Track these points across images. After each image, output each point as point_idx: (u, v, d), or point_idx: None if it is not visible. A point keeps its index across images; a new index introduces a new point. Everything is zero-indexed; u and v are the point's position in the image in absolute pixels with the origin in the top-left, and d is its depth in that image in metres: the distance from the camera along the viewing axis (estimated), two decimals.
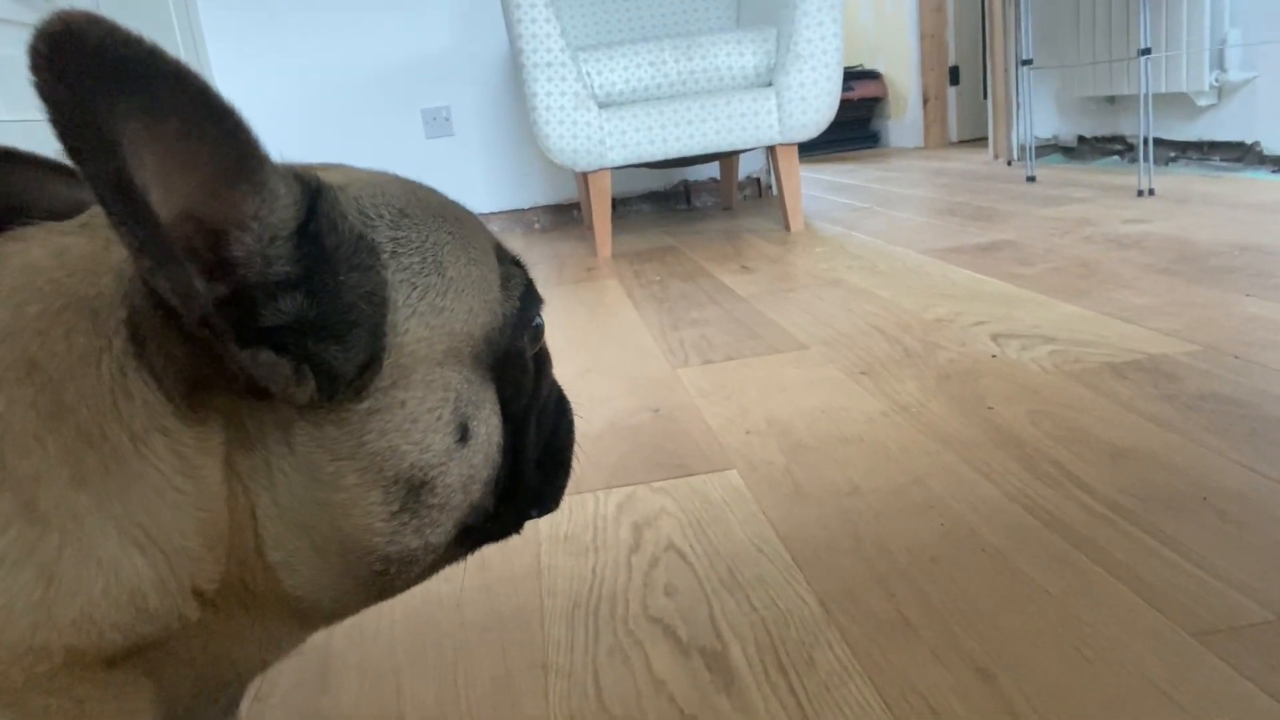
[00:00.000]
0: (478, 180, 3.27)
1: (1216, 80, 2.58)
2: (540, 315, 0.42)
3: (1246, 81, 2.53)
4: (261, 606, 0.34)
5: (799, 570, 0.72)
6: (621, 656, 0.64)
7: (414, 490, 0.34)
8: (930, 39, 4.73)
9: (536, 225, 3.34)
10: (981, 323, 1.36)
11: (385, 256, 0.33)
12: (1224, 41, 2.54)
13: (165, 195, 0.26)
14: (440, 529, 0.36)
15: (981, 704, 0.54)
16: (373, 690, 0.63)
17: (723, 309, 1.67)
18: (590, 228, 2.66)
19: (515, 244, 2.99)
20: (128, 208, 0.25)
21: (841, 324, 1.45)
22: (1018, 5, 3.16)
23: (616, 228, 2.90)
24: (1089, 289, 1.48)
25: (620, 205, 3.31)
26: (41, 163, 0.39)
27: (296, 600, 0.34)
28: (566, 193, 3.32)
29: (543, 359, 0.44)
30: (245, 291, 0.29)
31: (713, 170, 3.35)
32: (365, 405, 0.32)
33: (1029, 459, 0.87)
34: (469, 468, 0.36)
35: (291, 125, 3.11)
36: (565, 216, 3.35)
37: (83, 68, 0.23)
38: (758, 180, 3.43)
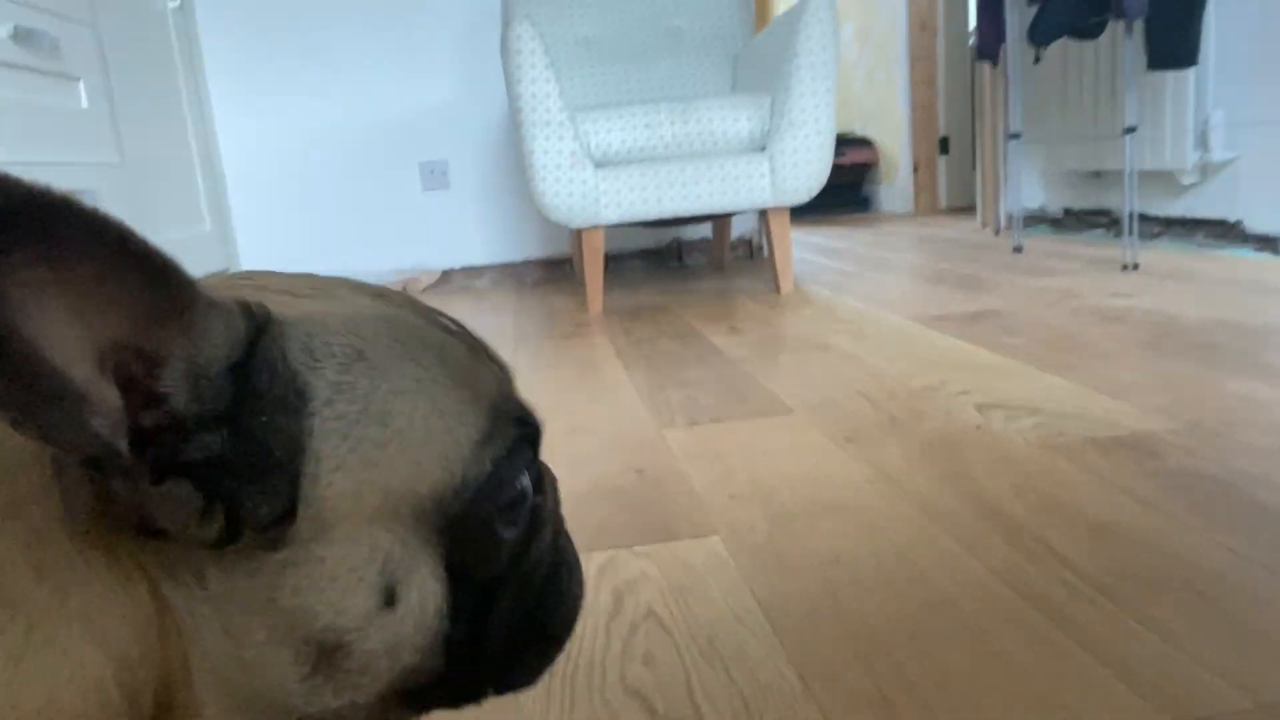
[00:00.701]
0: (472, 233, 3.30)
1: (1200, 159, 2.64)
2: (525, 480, 0.37)
3: (1229, 161, 2.59)
4: None
5: (779, 642, 0.72)
6: None
7: (328, 653, 0.32)
8: (921, 109, 4.84)
9: (529, 279, 3.36)
10: (966, 392, 1.37)
11: (317, 403, 0.31)
12: (1207, 122, 2.61)
13: (83, 336, 0.26)
14: (364, 691, 0.33)
15: None
16: None
17: (711, 370, 1.68)
18: (583, 283, 2.68)
19: (507, 298, 3.02)
20: None
21: (828, 389, 1.46)
22: (1006, 80, 3.25)
23: (609, 284, 2.93)
24: (1074, 362, 1.49)
25: (613, 262, 3.34)
26: None
27: None
28: (560, 248, 3.35)
29: (536, 523, 0.39)
30: (171, 424, 0.28)
31: (705, 230, 3.39)
32: (280, 556, 0.31)
33: (1012, 533, 0.87)
34: (394, 635, 0.33)
35: (293, 174, 3.14)
36: (558, 271, 3.37)
37: None
38: (749, 241, 3.47)
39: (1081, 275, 2.39)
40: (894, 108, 5.06)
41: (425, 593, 0.34)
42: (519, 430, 0.37)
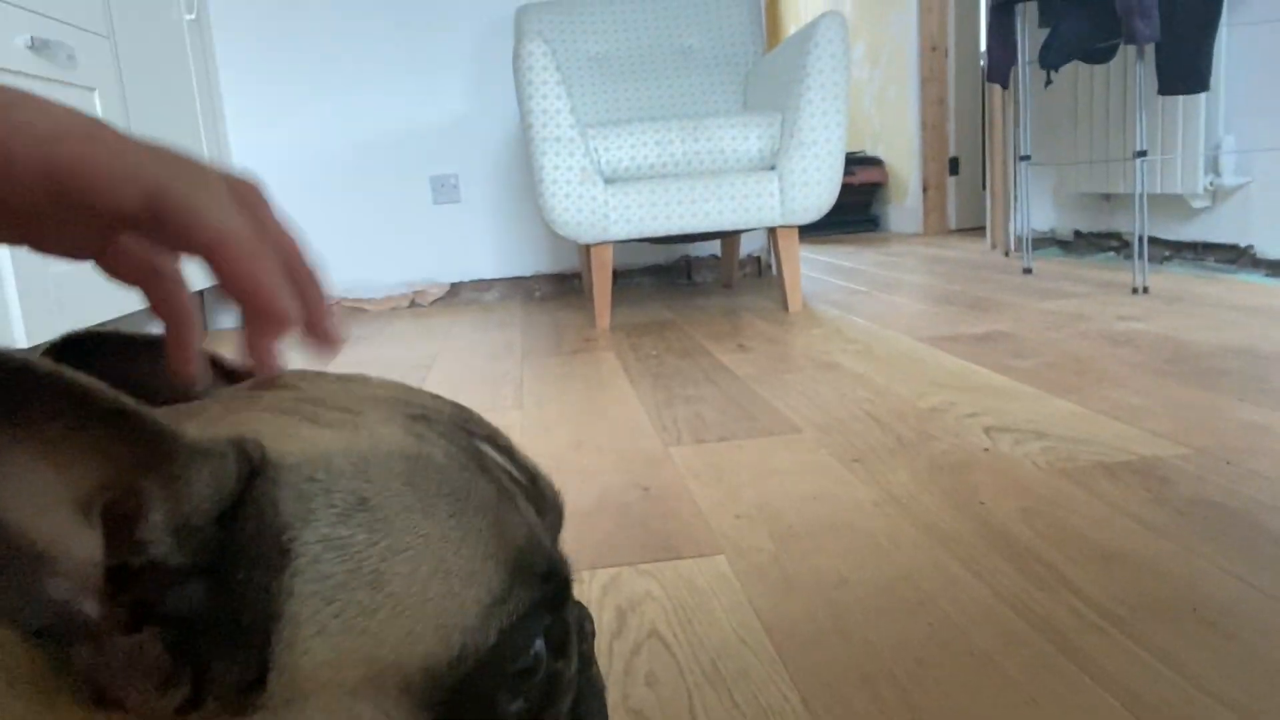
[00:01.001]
0: (482, 247, 3.31)
1: (1211, 184, 2.63)
2: (539, 646, 0.32)
3: (1240, 186, 2.59)
4: None
5: (783, 665, 0.71)
6: None
7: None
8: (931, 129, 4.85)
9: (537, 293, 3.37)
10: (975, 414, 1.36)
11: (303, 561, 0.27)
12: (1218, 147, 2.60)
13: (53, 482, 0.24)
14: None
15: None
16: None
17: (718, 388, 1.68)
18: (590, 298, 2.68)
19: (515, 312, 3.03)
20: None
21: (836, 409, 1.46)
22: (1017, 102, 3.25)
23: (616, 299, 2.93)
24: (1082, 385, 1.48)
25: (621, 277, 3.34)
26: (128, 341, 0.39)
27: None
28: (568, 262, 3.36)
29: (553, 690, 0.33)
30: (153, 571, 0.26)
31: (714, 248, 3.40)
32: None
33: (1020, 559, 0.86)
34: None
35: (305, 185, 3.16)
36: (566, 286, 3.38)
37: None
38: (758, 259, 3.47)
39: (1091, 298, 2.39)
40: (904, 128, 5.07)
41: None
42: (539, 591, 0.32)
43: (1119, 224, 3.21)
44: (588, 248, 2.52)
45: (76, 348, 0.37)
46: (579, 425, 1.48)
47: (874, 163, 5.41)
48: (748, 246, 3.43)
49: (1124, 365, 1.61)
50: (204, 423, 0.31)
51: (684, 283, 3.42)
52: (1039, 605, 0.77)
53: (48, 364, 0.23)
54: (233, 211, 0.34)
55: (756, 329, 2.29)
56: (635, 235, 2.43)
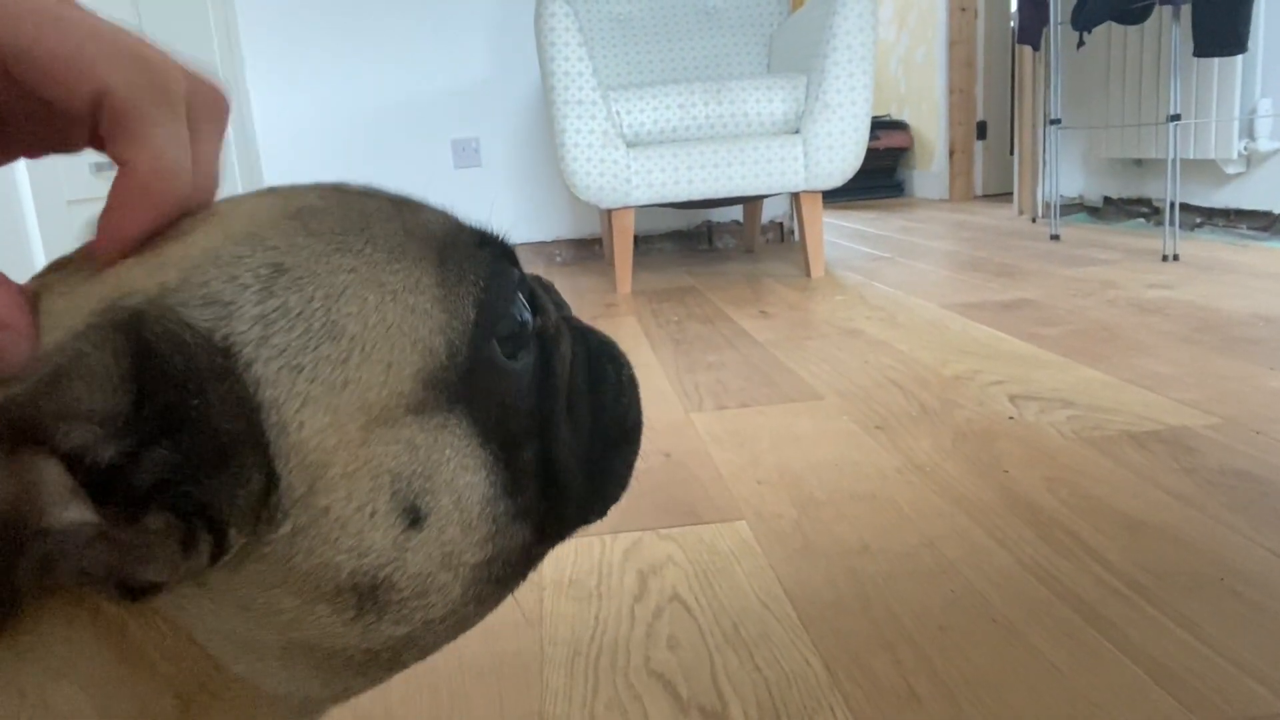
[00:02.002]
0: (502, 211, 3.30)
1: (1245, 149, 2.57)
2: (519, 305, 0.33)
3: (1275, 151, 2.52)
4: (250, 706, 0.29)
5: (805, 630, 0.71)
6: (620, 710, 0.63)
7: (368, 594, 0.28)
8: (959, 93, 4.76)
9: (558, 258, 3.36)
10: (1000, 382, 1.35)
11: (248, 350, 0.26)
12: (1254, 111, 2.54)
13: None
14: (436, 607, 0.30)
15: None
16: None
17: (740, 354, 1.67)
18: (611, 264, 2.67)
19: None
20: None
21: (858, 376, 1.45)
22: (1048, 65, 3.18)
23: (637, 265, 2.92)
24: (1110, 354, 1.46)
25: (642, 243, 3.33)
26: None
27: (285, 698, 0.30)
28: (589, 228, 3.35)
29: (549, 339, 0.35)
30: (107, 472, 0.24)
31: (736, 213, 3.37)
32: (286, 528, 0.27)
33: (1044, 527, 0.86)
34: (439, 546, 0.29)
35: (325, 150, 3.15)
36: (587, 251, 3.37)
37: None
38: (780, 225, 3.44)
39: (1120, 265, 2.35)
40: (931, 91, 4.98)
41: (460, 486, 0.30)
42: (485, 260, 0.32)
43: (1150, 190, 3.15)
44: (609, 212, 2.50)
45: None
46: None
47: (899, 127, 5.32)
48: (770, 212, 3.40)
49: (1153, 333, 1.58)
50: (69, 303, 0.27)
51: (705, 248, 3.40)
52: (1064, 574, 0.77)
53: None
54: (177, 140, 0.29)
55: (778, 295, 2.27)
56: (657, 200, 2.41)
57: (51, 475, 0.22)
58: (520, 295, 0.33)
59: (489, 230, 0.34)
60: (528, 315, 0.34)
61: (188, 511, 0.25)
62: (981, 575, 0.78)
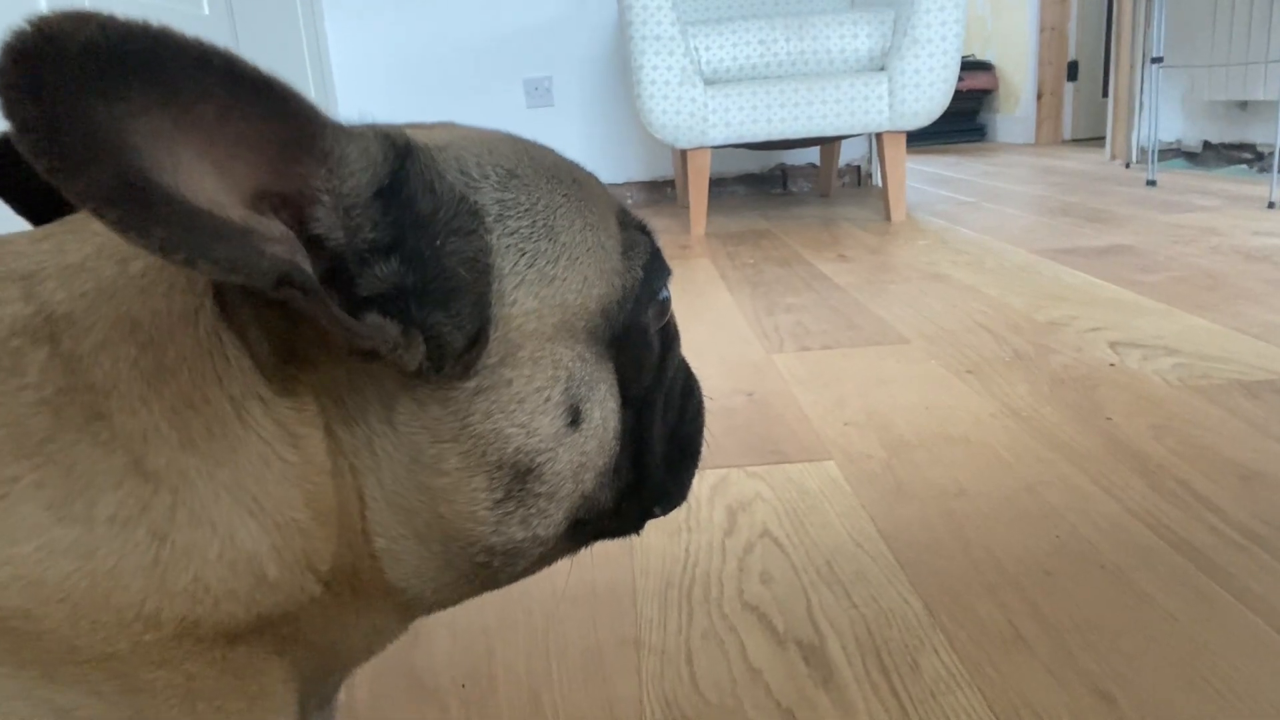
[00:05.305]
0: (574, 152, 3.20)
1: None
2: (666, 288, 0.38)
3: None
4: (368, 595, 0.32)
5: (901, 570, 0.70)
6: (716, 641, 0.62)
7: (519, 477, 0.32)
8: (1050, 31, 4.54)
9: (630, 200, 3.33)
10: (1098, 329, 1.29)
11: (490, 220, 0.31)
12: None
13: (222, 180, 0.24)
14: (548, 520, 0.34)
15: None
16: (465, 650, 0.63)
17: (819, 296, 1.63)
18: (684, 206, 2.63)
19: None
20: (136, 211, 0.22)
21: (945, 320, 1.40)
22: (1149, 0, 3.00)
23: (710, 208, 2.87)
24: (1215, 302, 1.39)
25: (715, 185, 3.27)
26: None
27: (400, 592, 0.33)
28: (661, 170, 3.30)
29: (669, 336, 0.40)
30: (338, 262, 0.27)
31: (812, 155, 3.28)
32: (471, 384, 0.30)
33: (1152, 475, 0.82)
34: (580, 454, 0.33)
35: (398, 88, 3.16)
36: (659, 194, 3.33)
37: (65, 76, 0.21)
38: (858, 168, 3.35)
39: (1222, 212, 2.23)
40: (1020, 29, 4.76)
41: (606, 411, 0.34)
42: (648, 237, 0.37)
43: (1254, 134, 2.97)
44: (683, 153, 2.46)
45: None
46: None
47: (983, 67, 5.11)
48: (847, 154, 3.31)
49: (1260, 281, 1.50)
50: None
51: (779, 191, 3.33)
52: (1175, 522, 0.74)
53: (193, 40, 0.22)
54: None
55: (857, 239, 2.22)
56: (734, 140, 2.35)
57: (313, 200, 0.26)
58: (667, 284, 0.38)
59: (644, 222, 0.39)
60: (669, 295, 0.39)
61: (406, 322, 0.28)
62: (1087, 521, 0.75)
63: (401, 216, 0.28)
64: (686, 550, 0.75)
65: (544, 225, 0.32)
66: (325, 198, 0.26)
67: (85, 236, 0.30)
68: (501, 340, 0.31)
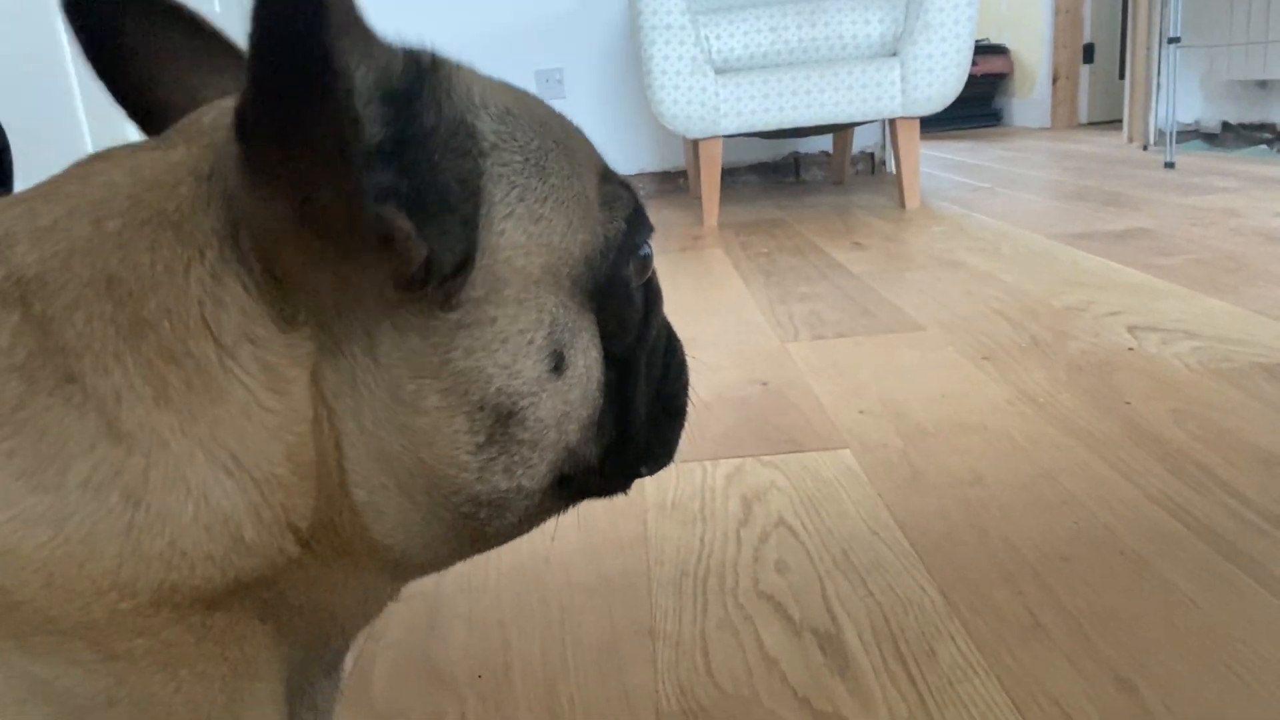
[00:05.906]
0: None
1: None
2: (649, 244, 0.38)
3: None
4: (353, 554, 0.32)
5: (918, 558, 0.69)
6: (731, 630, 0.62)
7: (501, 420, 0.31)
8: (1065, 13, 4.49)
9: (642, 192, 3.31)
10: (1116, 313, 1.28)
11: (485, 145, 0.31)
12: None
13: None
14: (532, 470, 0.33)
15: (1121, 716, 0.51)
16: (481, 640, 0.64)
17: (834, 285, 1.63)
18: (697, 197, 2.62)
19: None
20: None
21: (961, 307, 1.39)
22: None
23: (723, 198, 2.86)
24: (1236, 284, 1.37)
25: (726, 175, 3.26)
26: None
27: (386, 549, 0.32)
28: (673, 161, 3.29)
29: (651, 294, 0.40)
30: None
31: (824, 143, 3.26)
32: (454, 316, 0.30)
33: (1172, 460, 0.81)
34: (564, 403, 0.33)
35: None
36: (671, 184, 3.32)
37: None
38: (871, 155, 3.32)
39: (1241, 194, 2.20)
40: (1035, 12, 4.71)
41: (589, 360, 0.34)
42: (630, 193, 0.37)
43: (1275, 114, 2.93)
44: (695, 143, 2.45)
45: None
46: (691, 321, 1.46)
47: (998, 51, 5.06)
48: (860, 142, 3.28)
49: None
50: None
51: (792, 180, 3.31)
52: (1196, 508, 0.73)
53: None
54: None
55: (871, 227, 2.20)
56: (746, 129, 2.34)
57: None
58: (649, 241, 0.38)
59: (626, 180, 0.39)
60: (651, 250, 0.39)
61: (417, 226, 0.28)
62: (1106, 508, 0.74)
63: (405, 126, 0.28)
64: (701, 540, 0.75)
65: (535, 165, 0.33)
66: (363, 72, 0.27)
67: (57, 199, 0.29)
68: (487, 271, 0.31)
